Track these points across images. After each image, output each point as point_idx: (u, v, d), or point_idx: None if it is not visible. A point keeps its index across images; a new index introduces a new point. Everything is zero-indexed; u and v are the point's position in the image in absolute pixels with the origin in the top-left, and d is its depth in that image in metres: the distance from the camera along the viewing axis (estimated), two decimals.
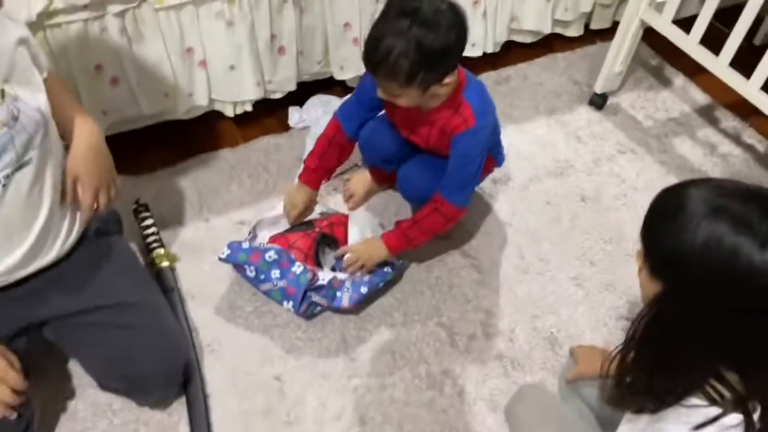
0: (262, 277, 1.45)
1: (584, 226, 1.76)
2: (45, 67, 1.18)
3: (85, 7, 1.47)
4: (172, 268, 1.54)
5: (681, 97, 2.15)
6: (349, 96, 1.54)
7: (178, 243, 1.63)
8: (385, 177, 1.69)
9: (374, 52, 1.19)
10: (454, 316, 1.54)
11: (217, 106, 1.85)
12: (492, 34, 2.10)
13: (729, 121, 2.08)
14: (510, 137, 1.98)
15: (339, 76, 1.94)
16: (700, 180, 0.85)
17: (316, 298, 1.44)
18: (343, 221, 1.61)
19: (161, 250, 1.55)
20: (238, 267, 1.48)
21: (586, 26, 2.34)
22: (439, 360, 1.46)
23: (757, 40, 2.29)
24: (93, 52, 1.55)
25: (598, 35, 2.36)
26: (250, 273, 1.46)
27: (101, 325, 1.20)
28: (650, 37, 1.96)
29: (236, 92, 1.80)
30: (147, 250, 1.56)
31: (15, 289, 1.16)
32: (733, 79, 1.67)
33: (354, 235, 1.58)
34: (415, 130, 1.44)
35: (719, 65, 1.69)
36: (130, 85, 1.65)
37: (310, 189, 1.55)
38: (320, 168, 1.54)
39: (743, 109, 2.06)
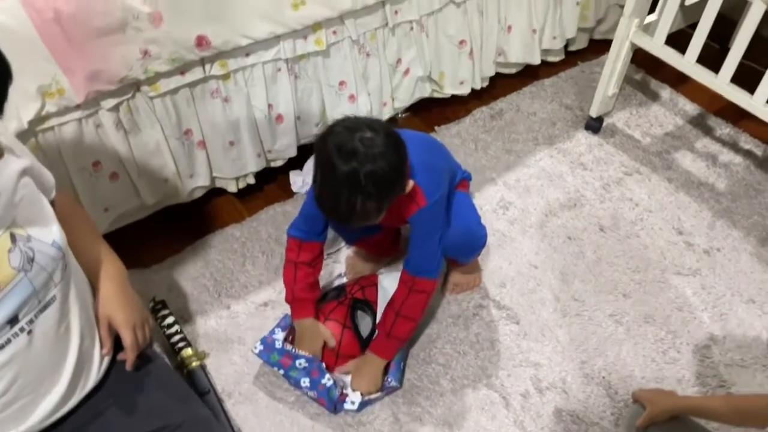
0: (292, 381, 1.42)
1: (609, 257, 1.73)
2: (52, 186, 1.09)
3: (77, 106, 1.38)
4: (202, 367, 1.46)
5: (671, 110, 2.17)
6: (297, 216, 1.41)
7: (202, 337, 1.54)
8: (376, 247, 1.66)
9: (337, 211, 1.16)
10: (503, 375, 1.49)
11: (219, 184, 1.77)
12: (479, 71, 2.08)
13: (722, 128, 2.10)
14: (516, 173, 1.96)
15: None
16: None
17: (344, 409, 1.43)
18: (374, 281, 1.58)
19: (189, 350, 1.46)
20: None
21: (565, 48, 2.35)
22: (497, 426, 1.41)
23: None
24: (89, 150, 1.46)
25: (577, 56, 2.38)
26: (281, 373, 1.42)
27: None
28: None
29: (238, 167, 1.73)
30: (173, 351, 1.47)
31: None
32: (736, 95, 1.67)
33: (383, 296, 1.53)
34: None
35: (720, 83, 1.69)
36: (129, 177, 1.56)
37: (308, 318, 1.44)
38: (301, 296, 1.43)
39: (733, 114, 2.09)
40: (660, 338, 1.56)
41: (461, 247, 1.49)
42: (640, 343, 1.55)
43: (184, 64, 1.47)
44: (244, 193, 1.84)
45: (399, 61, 1.87)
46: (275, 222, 1.79)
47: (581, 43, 2.37)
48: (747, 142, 2.06)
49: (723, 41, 2.23)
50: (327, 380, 1.39)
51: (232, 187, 1.78)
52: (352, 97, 1.81)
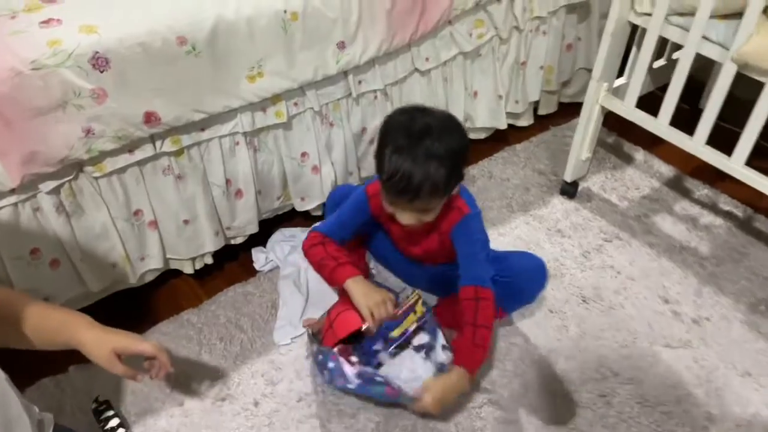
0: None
1: (593, 330, 1.63)
2: None
3: (12, 191, 1.27)
4: None
5: (647, 172, 2.12)
6: (329, 219, 1.52)
7: None
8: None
9: (410, 183, 1.20)
10: None
11: (174, 265, 1.65)
12: None
13: (700, 189, 2.05)
14: (491, 242, 1.85)
15: (301, 207, 1.79)
16: None
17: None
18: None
19: None
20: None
21: (534, 112, 2.31)
22: None
23: (703, 104, 2.32)
24: (26, 237, 1.34)
25: (548, 120, 2.34)
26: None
27: None
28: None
29: (194, 247, 1.61)
30: None
31: None
32: (713, 157, 1.62)
33: None
34: (415, 240, 1.46)
35: (696, 145, 1.64)
36: (72, 264, 1.44)
37: (359, 276, 1.42)
38: (345, 260, 1.44)
39: (709, 175, 2.04)
40: (654, 420, 1.44)
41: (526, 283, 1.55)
42: (634, 426, 1.43)
43: (131, 142, 1.37)
44: (202, 274, 1.72)
45: (364, 129, 1.80)
46: (235, 304, 1.66)
47: (550, 107, 2.33)
48: (726, 203, 2.00)
49: (692, 101, 2.21)
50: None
51: (188, 269, 1.66)
52: (315, 168, 1.72)
